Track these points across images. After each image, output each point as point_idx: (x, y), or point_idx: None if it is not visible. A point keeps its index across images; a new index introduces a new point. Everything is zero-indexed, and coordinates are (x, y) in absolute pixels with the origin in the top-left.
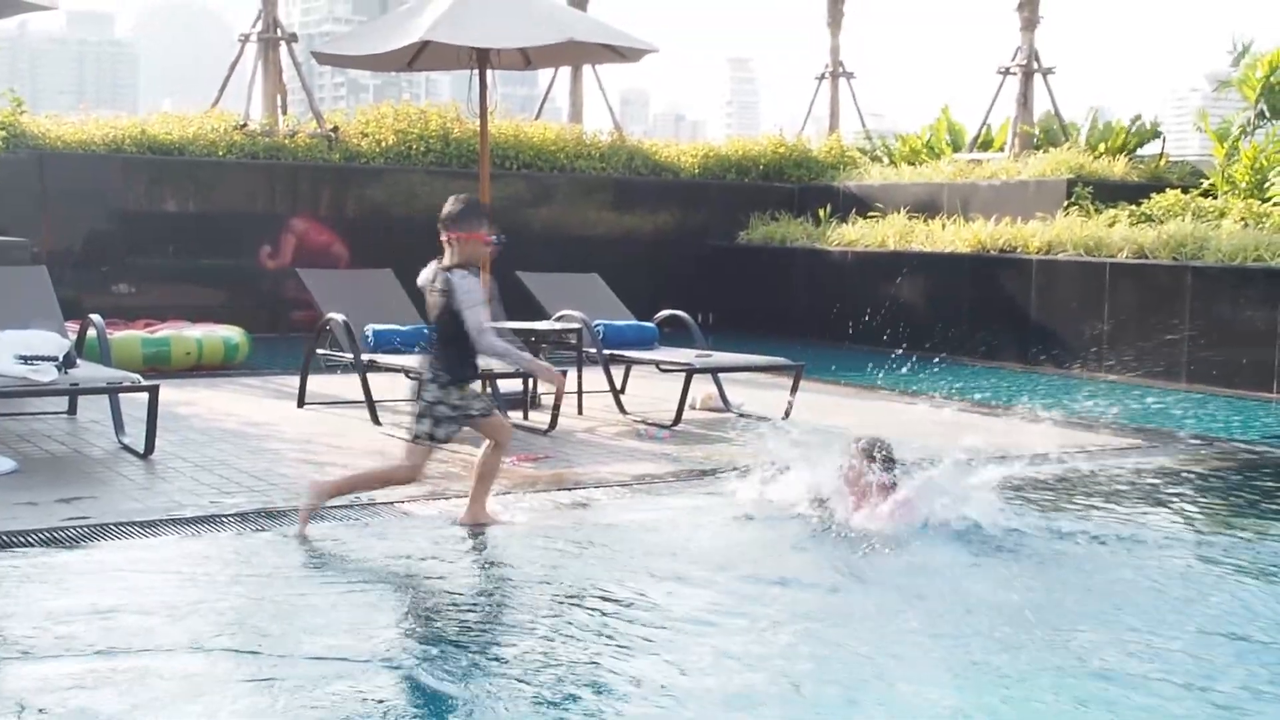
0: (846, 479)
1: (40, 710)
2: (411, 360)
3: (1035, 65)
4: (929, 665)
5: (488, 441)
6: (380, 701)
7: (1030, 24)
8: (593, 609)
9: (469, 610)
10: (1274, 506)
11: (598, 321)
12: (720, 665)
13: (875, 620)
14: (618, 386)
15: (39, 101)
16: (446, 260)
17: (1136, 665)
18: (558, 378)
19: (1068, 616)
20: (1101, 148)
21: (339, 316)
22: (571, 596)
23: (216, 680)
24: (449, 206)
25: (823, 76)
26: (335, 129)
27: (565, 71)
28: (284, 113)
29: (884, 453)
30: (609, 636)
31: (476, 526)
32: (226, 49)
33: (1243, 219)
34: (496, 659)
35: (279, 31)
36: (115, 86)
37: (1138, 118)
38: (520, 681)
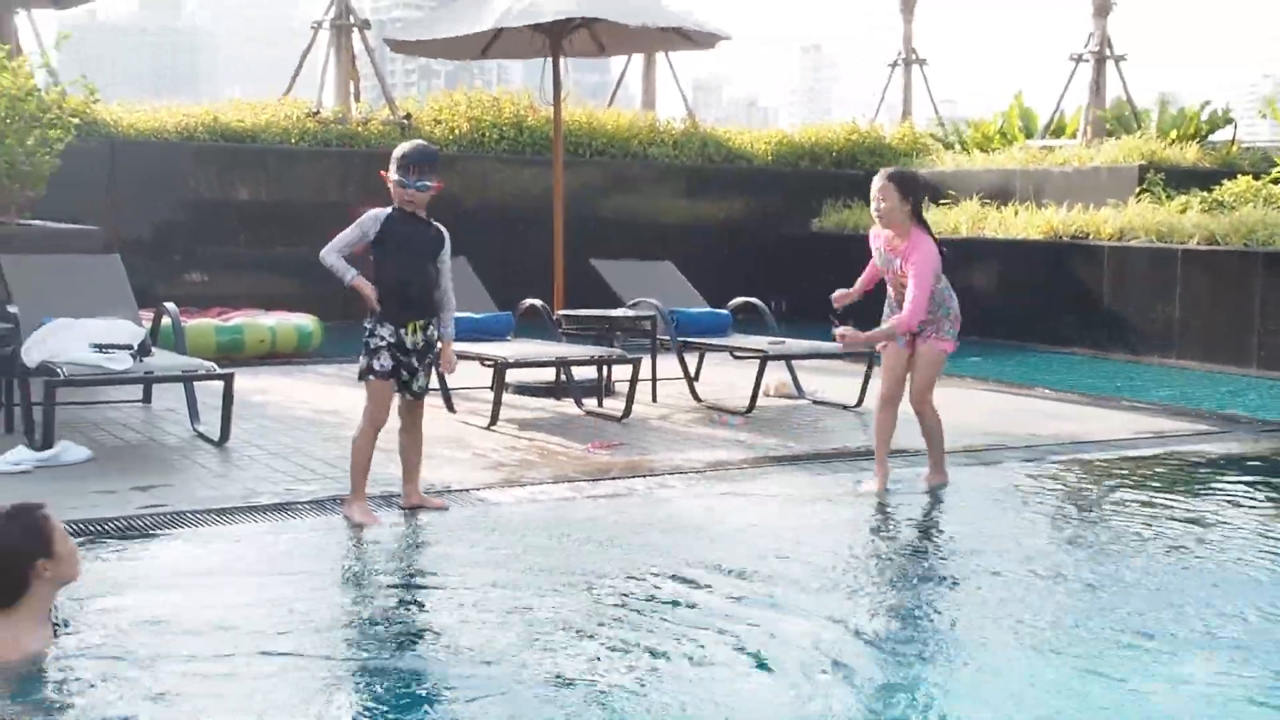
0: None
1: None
2: (486, 347)
3: (1107, 52)
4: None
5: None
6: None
7: (1103, 10)
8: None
9: (556, 599)
10: None
11: (671, 308)
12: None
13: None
14: (692, 373)
15: (109, 89)
16: None
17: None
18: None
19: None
20: (1173, 134)
21: None
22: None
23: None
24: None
25: (896, 63)
26: (408, 116)
27: (638, 58)
28: (357, 100)
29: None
30: (685, 621)
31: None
32: (296, 36)
33: None
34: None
35: (352, 18)
36: (185, 74)
37: (1208, 104)
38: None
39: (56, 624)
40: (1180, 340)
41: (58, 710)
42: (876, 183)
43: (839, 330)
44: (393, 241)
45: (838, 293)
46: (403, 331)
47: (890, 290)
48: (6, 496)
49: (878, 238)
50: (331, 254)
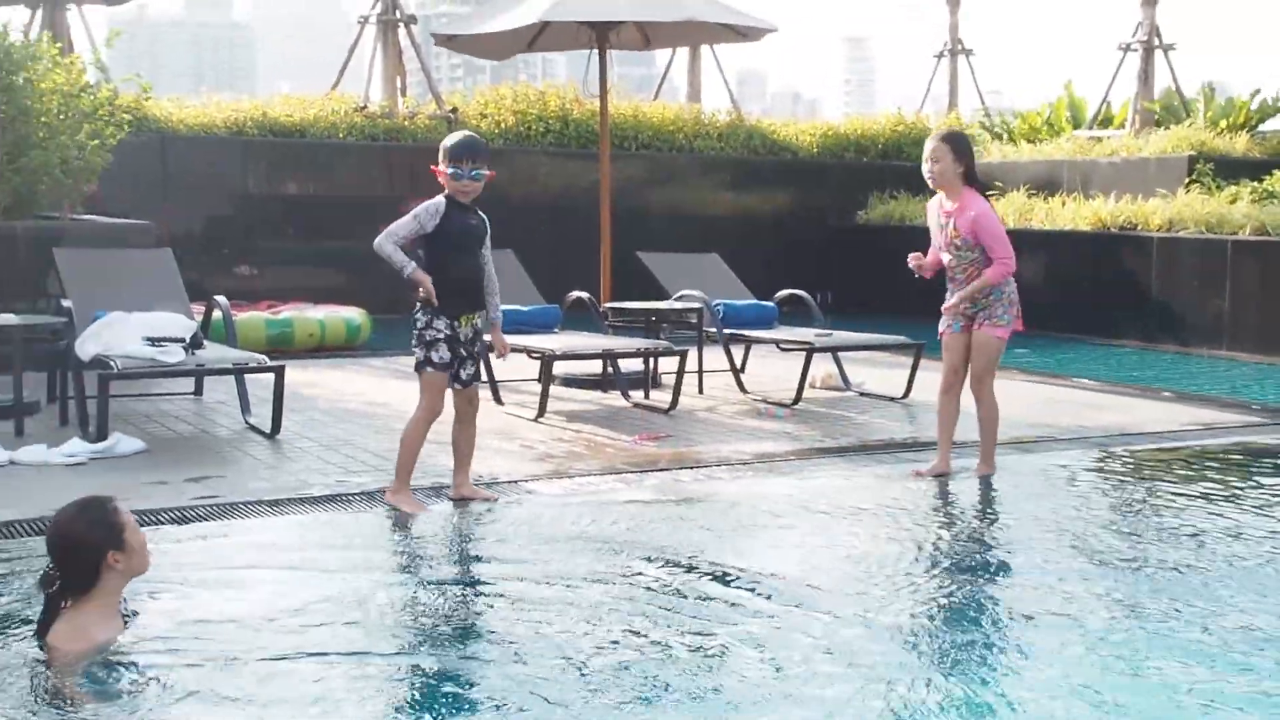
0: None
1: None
2: (533, 340)
3: (1156, 41)
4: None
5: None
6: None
7: None
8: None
9: (590, 591)
10: None
11: (718, 301)
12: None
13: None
14: (738, 366)
15: (159, 84)
16: None
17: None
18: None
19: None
20: (1223, 124)
21: None
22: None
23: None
24: None
25: (941, 54)
26: (455, 110)
27: (683, 51)
28: (403, 95)
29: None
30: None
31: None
32: (343, 32)
33: None
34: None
35: (398, 13)
36: (233, 69)
37: (1258, 92)
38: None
39: (126, 615)
40: (1230, 332)
41: (122, 701)
42: (930, 144)
43: (945, 307)
44: (449, 234)
45: (914, 255)
46: (457, 324)
47: (945, 257)
48: (62, 488)
49: (933, 209)
50: (388, 244)
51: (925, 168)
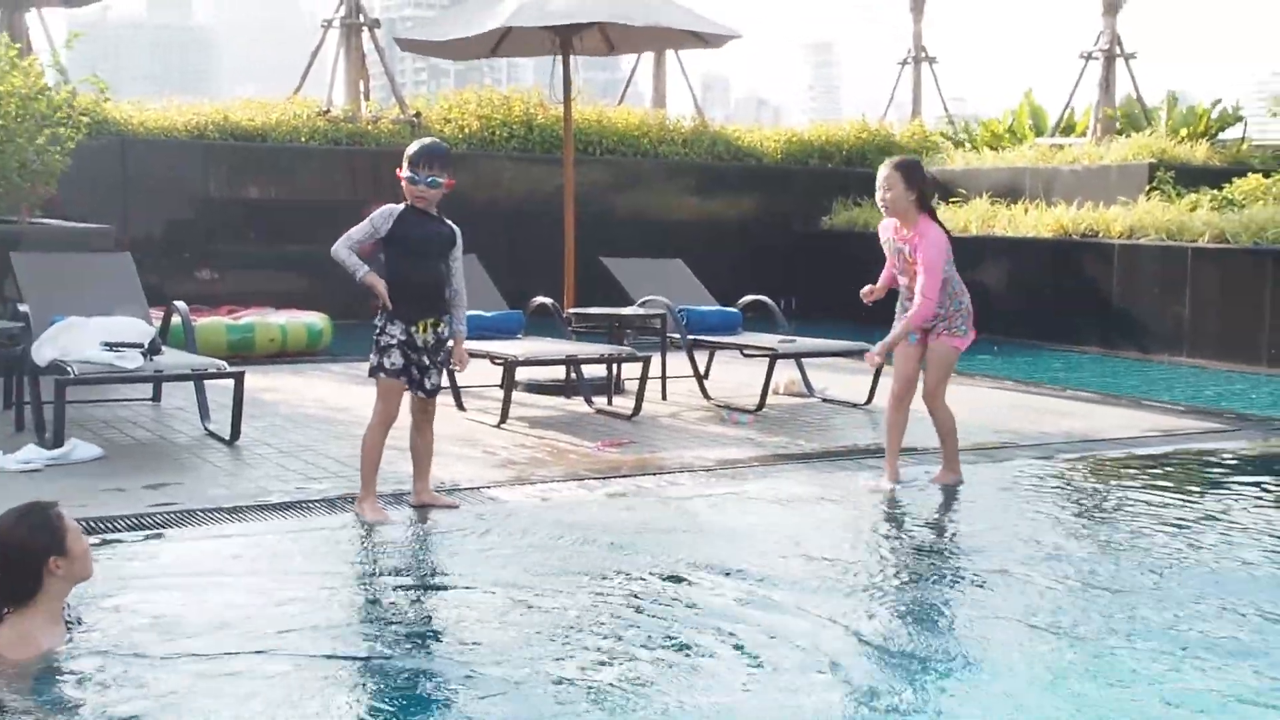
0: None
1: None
2: (496, 345)
3: (1117, 50)
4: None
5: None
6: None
7: (1112, 8)
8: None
9: (561, 599)
10: None
11: (681, 307)
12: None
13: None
14: (701, 372)
15: (119, 87)
16: None
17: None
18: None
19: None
20: (1183, 132)
21: None
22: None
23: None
24: None
25: (905, 61)
26: (418, 114)
27: (648, 56)
28: (366, 99)
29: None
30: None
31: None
32: (306, 35)
33: None
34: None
35: (361, 17)
36: (195, 72)
37: (1219, 101)
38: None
39: (70, 622)
40: (1190, 338)
41: (69, 709)
42: (882, 171)
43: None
44: (404, 239)
45: (865, 288)
46: (413, 330)
47: (902, 280)
48: (17, 495)
49: (886, 229)
50: (343, 249)
51: (878, 195)
